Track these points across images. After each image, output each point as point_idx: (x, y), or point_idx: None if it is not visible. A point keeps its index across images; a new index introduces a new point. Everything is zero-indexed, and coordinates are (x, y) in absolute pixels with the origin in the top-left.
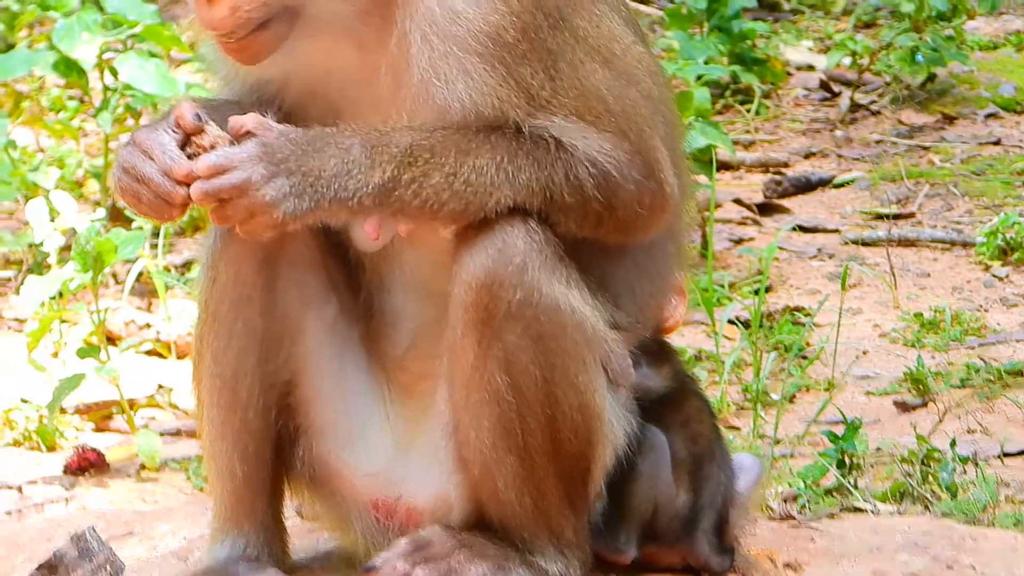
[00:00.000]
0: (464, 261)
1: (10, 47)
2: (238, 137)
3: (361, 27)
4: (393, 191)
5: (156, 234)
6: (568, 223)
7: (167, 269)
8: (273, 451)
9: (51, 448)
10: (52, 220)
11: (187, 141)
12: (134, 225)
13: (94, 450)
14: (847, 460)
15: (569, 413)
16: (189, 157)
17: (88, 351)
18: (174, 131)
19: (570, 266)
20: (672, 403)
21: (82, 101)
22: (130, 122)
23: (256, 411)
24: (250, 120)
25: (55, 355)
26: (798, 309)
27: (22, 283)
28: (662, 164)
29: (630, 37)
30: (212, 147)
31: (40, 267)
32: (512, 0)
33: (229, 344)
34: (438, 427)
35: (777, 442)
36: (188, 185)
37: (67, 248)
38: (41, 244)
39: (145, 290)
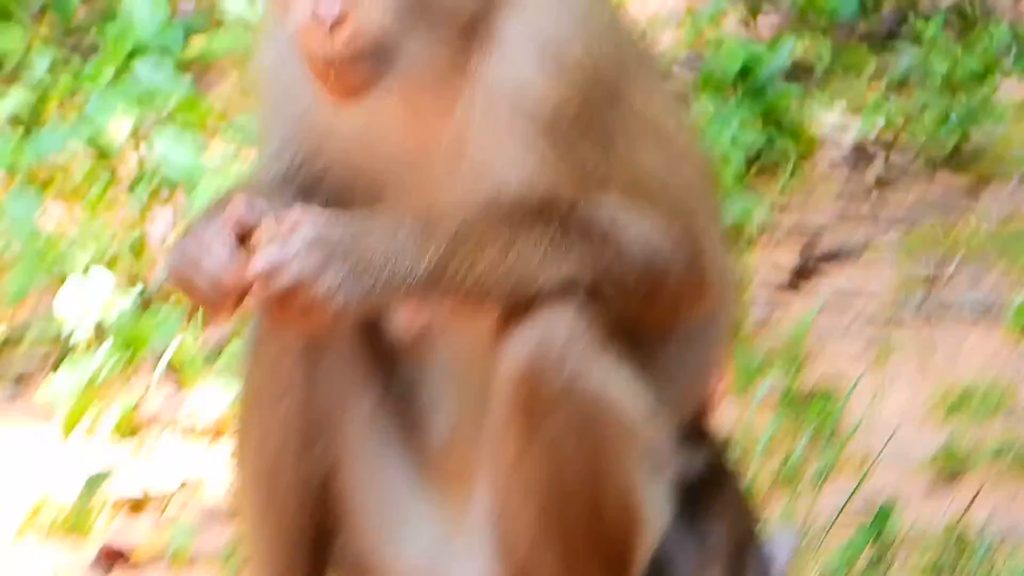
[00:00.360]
0: (505, 350)
1: (41, 121)
2: (289, 228)
3: (434, 86)
4: (443, 275)
5: (191, 316)
6: (614, 305)
7: (201, 351)
8: (313, 544)
9: (81, 539)
10: (88, 299)
11: (244, 233)
12: (169, 303)
13: (119, 551)
14: (881, 542)
15: (612, 503)
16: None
17: (120, 438)
18: (235, 226)
19: (613, 351)
20: (710, 487)
21: (114, 174)
22: (164, 193)
23: (296, 504)
24: (296, 215)
25: (89, 434)
26: (832, 382)
27: (54, 367)
28: (711, 246)
29: (681, 116)
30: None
31: (67, 348)
32: (577, 71)
33: (267, 437)
34: (480, 518)
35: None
36: (240, 289)
37: (102, 329)
38: (72, 334)
39: (178, 372)
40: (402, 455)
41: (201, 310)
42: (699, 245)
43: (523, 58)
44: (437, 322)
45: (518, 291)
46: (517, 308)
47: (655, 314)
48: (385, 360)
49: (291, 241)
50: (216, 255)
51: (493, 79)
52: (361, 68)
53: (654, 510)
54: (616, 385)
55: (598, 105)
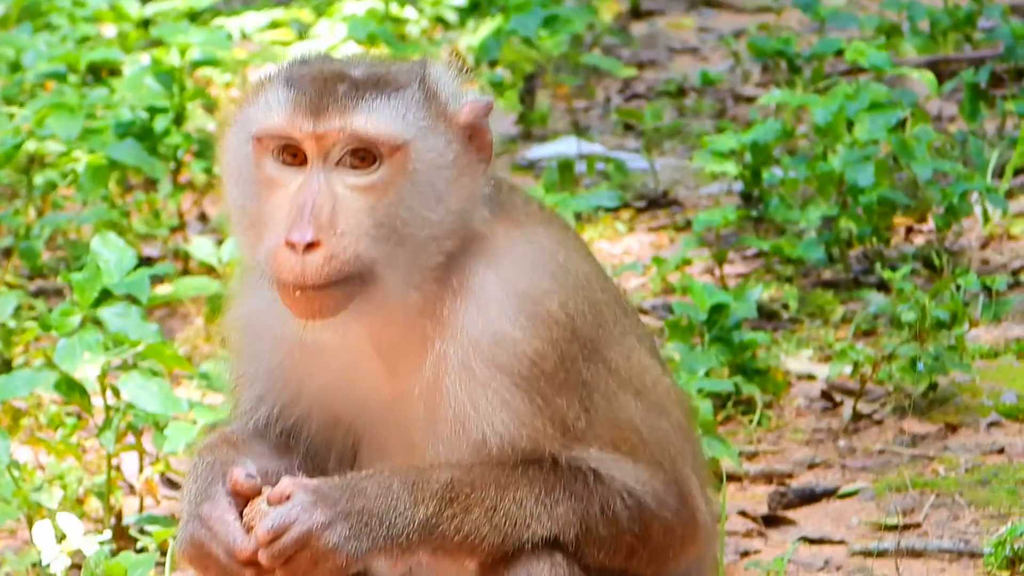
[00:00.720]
0: None
1: (6, 362)
2: (280, 500)
3: (407, 330)
4: (437, 527)
5: (163, 552)
6: (600, 554)
7: None
8: None
9: None
10: (59, 542)
11: (246, 504)
12: (139, 545)
13: None
14: None
15: None
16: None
17: None
18: (234, 498)
19: None
20: None
21: (80, 417)
22: (130, 439)
23: None
24: (288, 485)
25: None
26: None
27: None
28: (695, 493)
29: (658, 369)
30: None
31: None
32: (553, 328)
33: None
34: None
35: None
36: (254, 564)
37: (75, 567)
38: (48, 567)
39: None
40: None
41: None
42: (685, 492)
43: (499, 311)
44: (417, 564)
45: (507, 542)
46: (499, 557)
47: (646, 558)
48: None
49: (292, 502)
50: (226, 530)
51: (468, 330)
52: (332, 292)
53: None
54: None
55: (575, 359)
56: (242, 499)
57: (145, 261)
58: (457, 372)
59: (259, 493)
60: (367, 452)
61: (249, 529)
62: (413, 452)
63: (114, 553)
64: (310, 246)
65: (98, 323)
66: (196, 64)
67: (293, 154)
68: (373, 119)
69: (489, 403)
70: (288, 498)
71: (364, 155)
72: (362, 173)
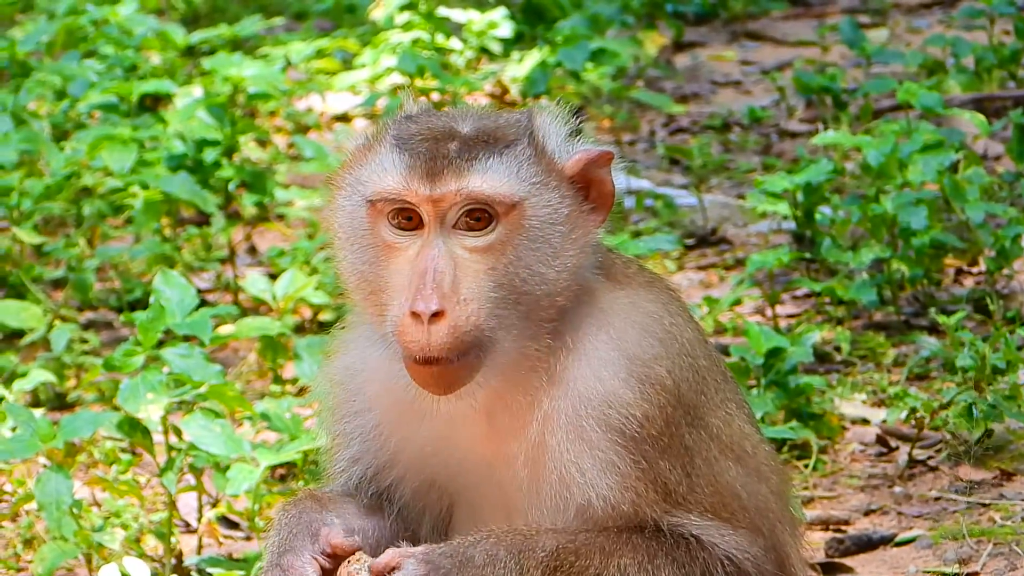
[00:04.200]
0: None
1: (59, 396)
2: (385, 571)
3: (516, 391)
4: None
5: None
6: None
7: None
8: None
9: None
10: None
11: (334, 564)
12: None
13: None
14: None
15: None
16: None
17: None
18: (322, 558)
19: None
20: None
21: (135, 454)
22: (189, 478)
23: None
24: (394, 555)
25: None
26: None
27: None
28: (793, 559)
29: (756, 435)
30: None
31: None
32: (660, 392)
33: None
34: None
35: None
36: None
37: None
38: None
39: None
40: None
41: None
42: (783, 558)
43: (611, 372)
44: None
45: None
46: None
47: None
48: None
49: (405, 570)
50: None
51: (579, 388)
52: (458, 366)
53: None
54: None
55: (679, 424)
56: (333, 560)
57: (196, 293)
58: (564, 430)
59: (354, 553)
60: (462, 515)
61: None
62: (511, 515)
63: None
64: (435, 316)
65: (161, 364)
66: (250, 97)
67: (408, 217)
68: (488, 179)
69: (595, 464)
70: (394, 569)
71: (480, 216)
72: (479, 234)
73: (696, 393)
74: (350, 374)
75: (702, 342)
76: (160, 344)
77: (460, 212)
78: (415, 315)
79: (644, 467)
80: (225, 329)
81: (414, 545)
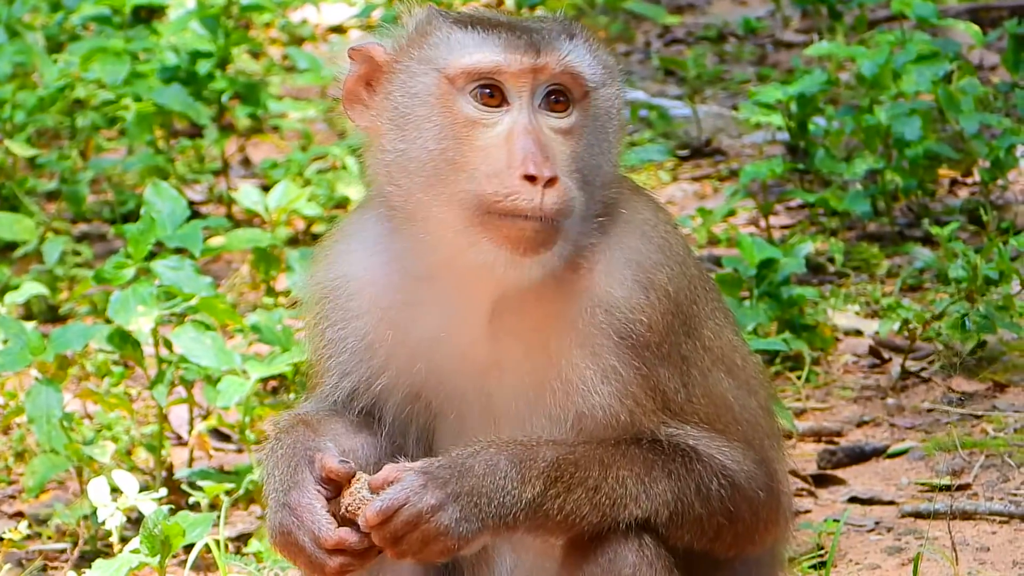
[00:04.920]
0: (572, 571)
1: (52, 308)
2: (383, 487)
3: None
4: (542, 506)
5: (213, 507)
6: (688, 535)
7: (226, 543)
8: None
9: None
10: (114, 499)
11: (338, 491)
12: (190, 500)
13: None
14: None
15: None
16: (344, 510)
17: None
18: (324, 487)
19: None
20: None
21: (127, 366)
22: (180, 391)
23: None
24: (392, 471)
25: None
26: None
27: (78, 558)
28: (780, 475)
29: (745, 348)
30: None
31: (95, 540)
32: (662, 299)
33: None
34: None
35: None
36: (340, 551)
37: (128, 521)
38: (103, 523)
39: (202, 564)
40: None
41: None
42: (772, 472)
43: (614, 278)
44: (501, 543)
45: (604, 521)
46: (587, 538)
47: (731, 540)
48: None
49: (403, 483)
50: (313, 519)
51: (583, 295)
52: (554, 229)
53: None
54: None
55: (676, 333)
56: (333, 485)
57: (189, 205)
58: (569, 334)
59: (352, 476)
60: (447, 429)
61: (350, 514)
62: (498, 428)
63: (170, 512)
64: (550, 181)
65: (152, 277)
66: (244, 9)
67: (491, 94)
68: (577, 57)
69: (597, 370)
70: (392, 483)
71: (560, 98)
72: (561, 115)
73: (690, 302)
74: (339, 283)
75: (690, 253)
76: (151, 256)
77: (548, 89)
78: (529, 178)
79: (645, 374)
80: (216, 241)
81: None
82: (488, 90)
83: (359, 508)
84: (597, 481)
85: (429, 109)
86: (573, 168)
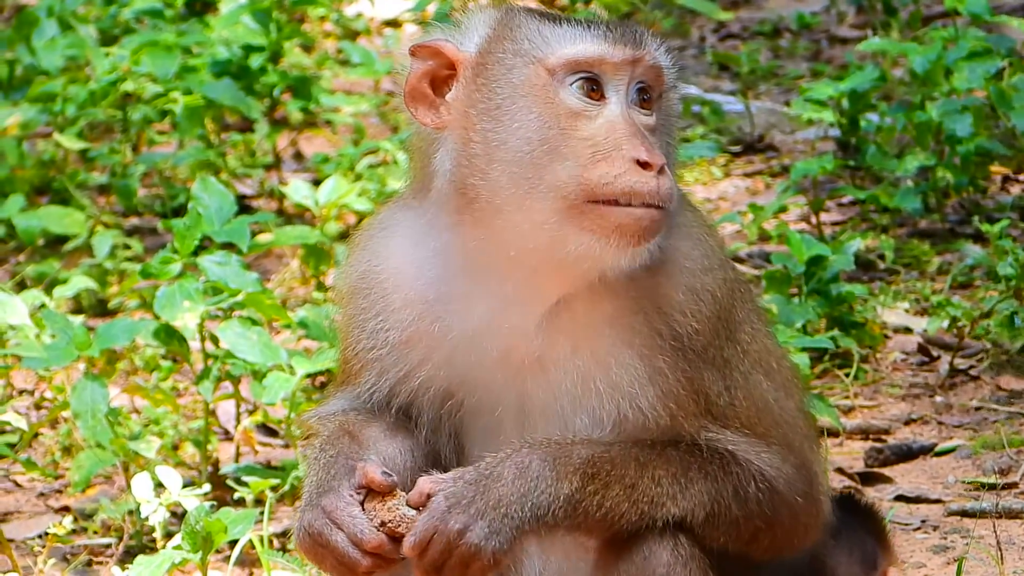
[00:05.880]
0: (607, 570)
1: (101, 302)
2: (421, 503)
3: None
4: (580, 503)
5: (259, 503)
6: (724, 537)
7: (270, 540)
8: None
9: None
10: (157, 495)
11: (367, 497)
12: (235, 495)
13: None
14: None
15: None
16: (383, 526)
17: None
18: (357, 492)
19: None
20: None
21: (175, 361)
22: (227, 387)
23: None
24: (424, 485)
25: None
26: None
27: (123, 553)
28: (820, 479)
29: (779, 350)
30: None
31: (140, 535)
32: (709, 303)
33: None
34: None
35: None
36: (375, 555)
37: (173, 516)
38: (146, 518)
39: (247, 559)
40: None
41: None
42: (812, 476)
43: (664, 281)
44: (535, 543)
45: (642, 521)
46: (622, 538)
47: (768, 544)
48: None
49: (430, 512)
50: (352, 523)
51: (633, 297)
52: (664, 216)
53: None
54: None
55: (720, 336)
56: (368, 492)
57: (240, 200)
58: (617, 334)
59: (393, 490)
60: (480, 429)
61: (388, 531)
62: (530, 428)
63: (214, 507)
64: (660, 169)
65: (199, 272)
66: (295, 2)
67: (594, 88)
68: (663, 55)
69: (643, 372)
70: (428, 498)
71: (647, 95)
72: (647, 113)
73: (730, 306)
74: (381, 275)
75: (727, 254)
76: (199, 251)
77: (637, 86)
78: (642, 164)
79: (690, 376)
80: (264, 237)
81: (436, 464)
82: (592, 84)
83: (399, 525)
84: (634, 479)
85: (529, 101)
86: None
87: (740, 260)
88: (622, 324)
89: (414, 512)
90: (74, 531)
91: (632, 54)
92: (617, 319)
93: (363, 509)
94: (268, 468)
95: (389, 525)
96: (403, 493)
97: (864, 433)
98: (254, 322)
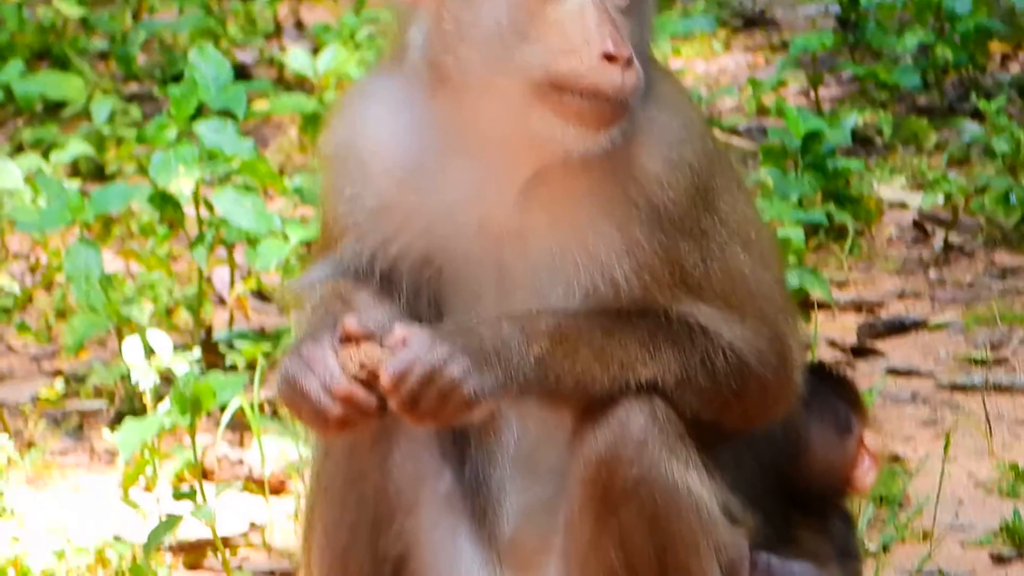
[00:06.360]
0: (584, 435)
1: (99, 168)
2: (396, 348)
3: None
4: (550, 366)
5: (251, 368)
6: (695, 406)
7: (261, 405)
8: None
9: None
10: (147, 358)
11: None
12: (228, 361)
13: None
14: None
15: None
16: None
17: (184, 494)
18: (339, 341)
19: (690, 447)
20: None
21: (171, 227)
22: (221, 252)
23: None
24: (402, 332)
25: (148, 489)
26: (894, 458)
27: (114, 417)
28: (793, 352)
29: (759, 220)
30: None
31: (131, 400)
32: (686, 174)
33: (341, 518)
34: None
35: None
36: (346, 401)
37: (164, 381)
38: (136, 383)
39: (238, 424)
40: (473, 540)
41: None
42: (785, 350)
43: (643, 154)
44: (505, 407)
45: (615, 385)
46: (598, 403)
47: (739, 414)
48: (458, 444)
49: (412, 344)
50: (324, 366)
51: (611, 170)
52: (625, 107)
53: None
54: (691, 479)
55: (697, 207)
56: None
57: (239, 68)
58: (595, 206)
59: (370, 339)
60: (458, 299)
61: (363, 371)
62: (508, 300)
63: (204, 371)
64: (627, 61)
65: (195, 139)
66: None
67: None
68: None
69: (619, 242)
70: (405, 342)
71: None
72: None
73: (710, 175)
74: (360, 143)
75: (707, 124)
76: (196, 118)
77: None
78: (609, 57)
79: (667, 247)
80: (261, 105)
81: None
82: None
83: (376, 366)
84: (602, 343)
85: None
86: (634, 50)
87: (738, 134)
88: (600, 195)
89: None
90: (65, 395)
91: None
92: (595, 191)
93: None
94: (261, 334)
95: (367, 367)
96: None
97: (857, 307)
98: (249, 189)
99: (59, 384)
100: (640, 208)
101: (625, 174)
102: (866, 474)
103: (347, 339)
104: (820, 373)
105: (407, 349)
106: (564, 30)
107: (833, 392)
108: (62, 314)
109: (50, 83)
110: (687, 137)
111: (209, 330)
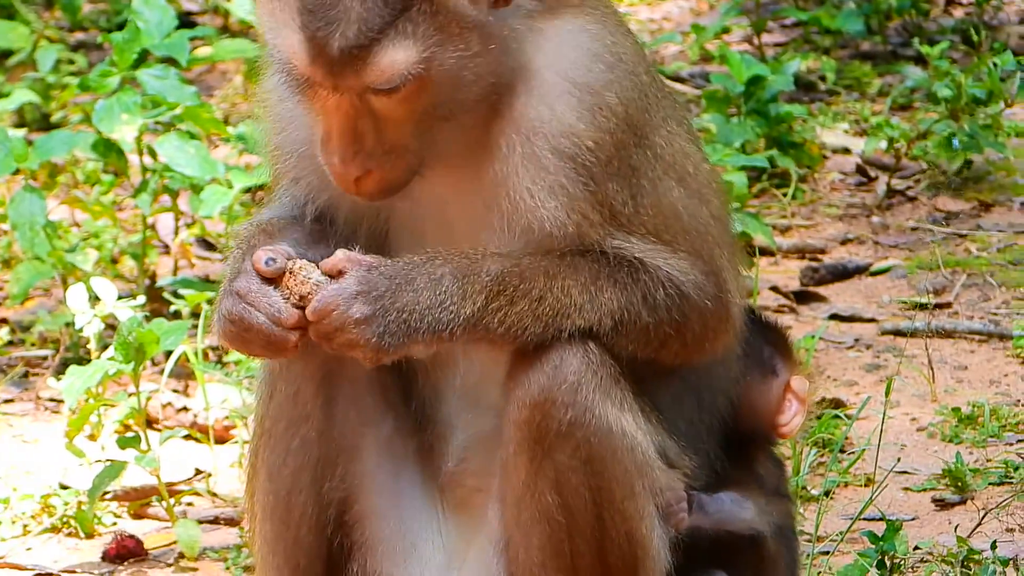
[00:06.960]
0: (518, 378)
1: (44, 116)
2: (333, 275)
3: (463, 149)
4: (481, 320)
5: (195, 316)
6: (633, 344)
7: (205, 353)
8: (326, 567)
9: (89, 535)
10: (92, 305)
11: (282, 276)
12: (172, 308)
13: (132, 537)
14: (887, 561)
15: (616, 539)
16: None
17: (129, 441)
18: (254, 270)
19: (625, 389)
20: (755, 545)
21: (116, 175)
22: (166, 200)
23: (310, 527)
24: (342, 259)
25: (93, 437)
26: (836, 402)
27: (60, 365)
28: (730, 285)
29: (699, 155)
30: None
31: (77, 347)
32: (610, 117)
33: (285, 461)
34: (489, 544)
35: (818, 539)
36: (298, 329)
37: (109, 328)
38: (81, 330)
39: (182, 372)
40: (417, 479)
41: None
42: (722, 281)
43: (561, 104)
44: (453, 351)
45: (548, 332)
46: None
47: (677, 349)
48: (402, 383)
49: (339, 287)
50: (267, 306)
51: (531, 123)
52: (387, 191)
53: (662, 555)
54: (626, 421)
55: (626, 146)
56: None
57: (184, 16)
58: (518, 158)
59: (281, 275)
60: (399, 239)
61: (301, 298)
62: (451, 239)
63: (147, 318)
64: (361, 178)
65: (137, 86)
66: None
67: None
68: (387, 66)
69: (545, 187)
70: (341, 273)
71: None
72: (393, 93)
73: (641, 112)
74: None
75: (642, 57)
76: (139, 65)
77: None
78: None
79: (593, 189)
80: (204, 51)
81: None
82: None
83: (311, 293)
84: (542, 292)
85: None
86: (415, 127)
87: (681, 80)
88: (520, 150)
89: (327, 280)
90: (11, 343)
91: (333, 84)
92: (515, 146)
93: (277, 288)
94: (205, 281)
95: (300, 293)
96: (315, 265)
97: (800, 252)
98: (192, 136)
99: (4, 332)
100: (557, 156)
101: (547, 126)
102: (792, 419)
103: (272, 272)
104: (748, 317)
105: (334, 289)
106: (324, 131)
107: (760, 335)
108: (7, 263)
109: None
110: (610, 77)
111: (153, 277)
